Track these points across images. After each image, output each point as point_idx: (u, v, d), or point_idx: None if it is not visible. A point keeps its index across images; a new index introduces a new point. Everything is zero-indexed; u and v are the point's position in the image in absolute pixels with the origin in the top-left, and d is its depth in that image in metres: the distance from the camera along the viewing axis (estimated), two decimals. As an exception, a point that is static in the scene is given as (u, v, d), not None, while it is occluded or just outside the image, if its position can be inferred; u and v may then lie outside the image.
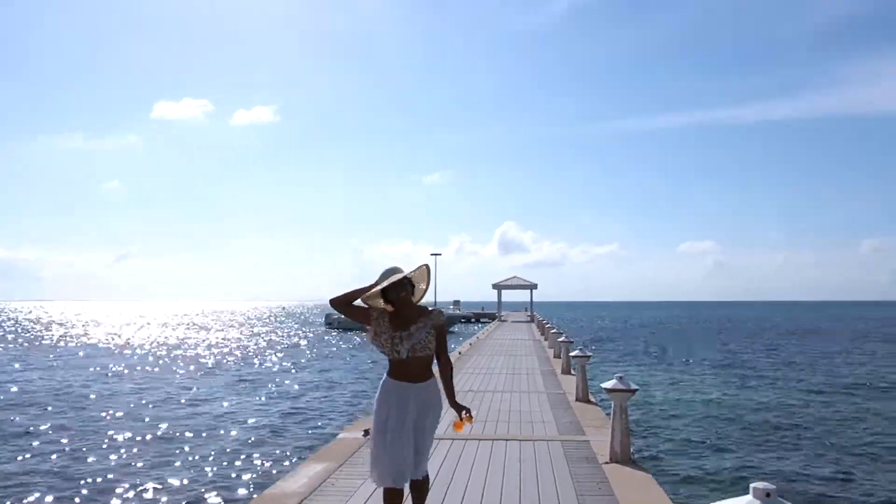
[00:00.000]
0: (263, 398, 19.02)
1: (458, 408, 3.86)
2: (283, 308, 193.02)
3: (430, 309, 3.89)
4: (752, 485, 2.61)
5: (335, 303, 3.76)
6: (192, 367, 27.82)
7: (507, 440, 7.44)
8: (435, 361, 3.87)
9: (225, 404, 17.86)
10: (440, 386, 3.91)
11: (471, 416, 3.83)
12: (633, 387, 6.54)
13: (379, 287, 3.72)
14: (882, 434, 14.05)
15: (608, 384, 6.58)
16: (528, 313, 54.38)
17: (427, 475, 3.98)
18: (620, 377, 6.62)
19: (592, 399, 10.30)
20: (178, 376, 24.61)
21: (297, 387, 21.44)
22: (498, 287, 51.77)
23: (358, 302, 3.81)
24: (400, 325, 3.75)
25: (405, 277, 3.75)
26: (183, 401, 18.39)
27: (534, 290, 52.85)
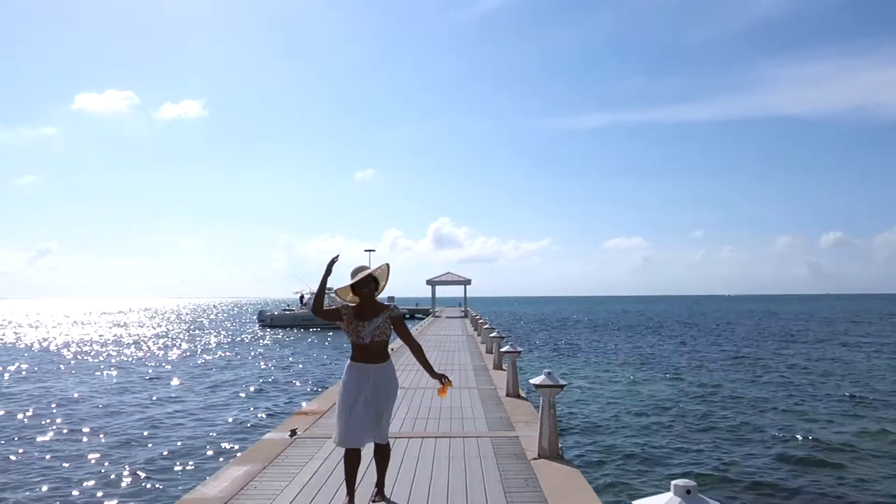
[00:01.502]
0: (183, 399, 18.35)
1: (438, 376, 4.76)
2: (214, 306, 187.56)
3: (387, 304, 4.81)
4: (672, 482, 2.63)
5: (318, 311, 4.83)
6: (104, 367, 26.79)
7: (437, 437, 7.40)
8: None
9: (140, 406, 17.15)
10: (394, 366, 4.86)
11: (450, 382, 4.77)
12: (561, 382, 6.59)
13: (352, 282, 4.69)
14: (783, 426, 14.76)
15: (536, 380, 6.61)
16: (462, 309, 54.48)
17: (388, 442, 4.80)
18: (549, 373, 6.66)
19: (522, 394, 10.33)
20: (89, 377, 23.60)
21: (223, 387, 20.82)
22: (432, 283, 51.81)
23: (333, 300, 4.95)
24: (364, 316, 4.69)
25: (370, 275, 4.72)
26: (96, 404, 17.53)
27: (468, 286, 53.22)
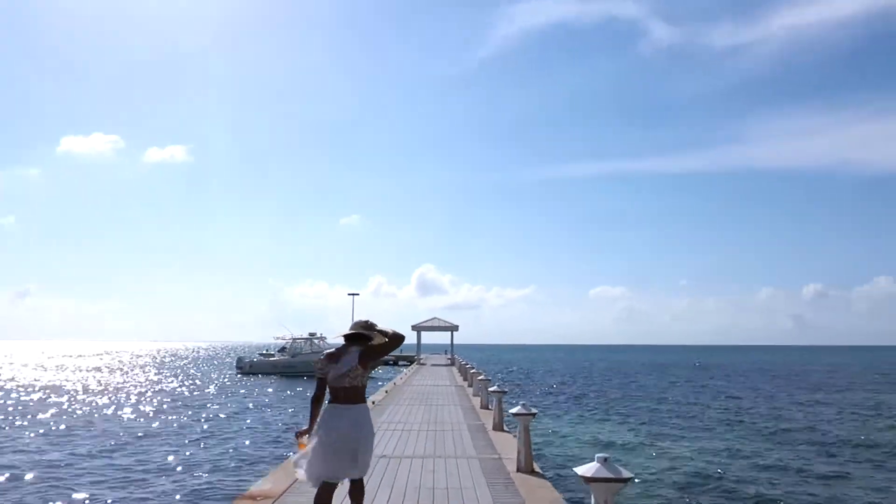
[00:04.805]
0: (98, 456, 16.31)
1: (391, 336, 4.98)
2: (194, 350, 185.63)
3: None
4: (595, 455, 4.02)
5: (322, 395, 4.93)
6: (38, 413, 25.20)
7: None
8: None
9: (89, 457, 15.63)
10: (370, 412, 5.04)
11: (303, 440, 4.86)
12: (533, 411, 8.01)
13: (346, 333, 4.99)
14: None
15: (514, 409, 8.04)
16: (449, 356, 53.63)
17: (362, 479, 4.91)
18: (524, 404, 8.11)
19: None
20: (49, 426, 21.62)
21: (156, 447, 17.90)
22: (418, 328, 50.47)
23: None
24: (337, 359, 4.88)
25: (363, 334, 4.97)
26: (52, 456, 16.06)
27: (455, 332, 51.73)
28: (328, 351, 5.03)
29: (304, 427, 4.90)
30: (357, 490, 4.96)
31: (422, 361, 51.22)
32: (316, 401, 4.90)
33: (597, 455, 3.97)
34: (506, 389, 12.10)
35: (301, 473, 4.72)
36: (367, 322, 5.02)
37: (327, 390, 4.91)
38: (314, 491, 4.79)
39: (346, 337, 4.98)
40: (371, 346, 4.93)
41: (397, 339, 4.98)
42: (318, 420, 4.81)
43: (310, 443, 4.75)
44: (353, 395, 4.80)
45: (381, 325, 5.02)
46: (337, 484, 4.79)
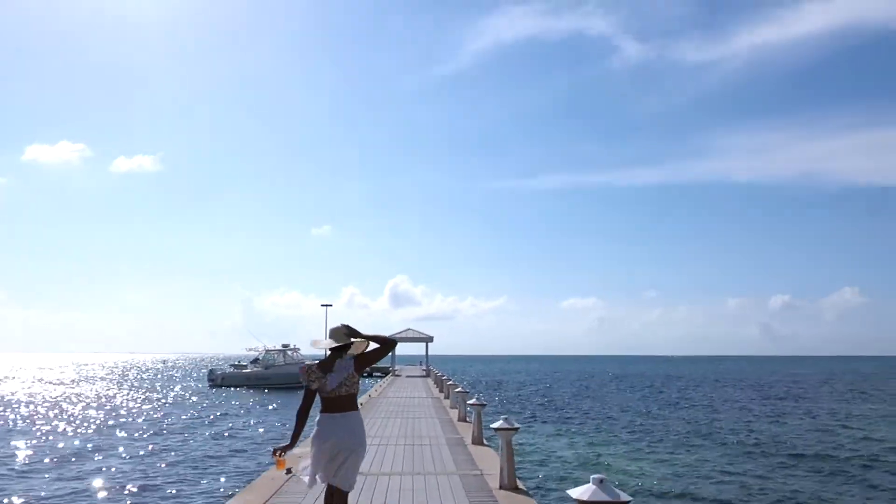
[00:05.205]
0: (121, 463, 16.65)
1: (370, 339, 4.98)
2: (164, 362, 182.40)
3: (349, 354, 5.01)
4: (591, 476, 3.88)
5: (306, 411, 4.86)
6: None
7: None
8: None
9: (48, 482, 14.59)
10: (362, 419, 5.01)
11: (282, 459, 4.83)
12: (516, 425, 7.84)
13: (332, 346, 4.99)
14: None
15: (496, 424, 7.85)
16: (424, 367, 53.56)
17: (347, 493, 4.85)
18: (506, 418, 7.91)
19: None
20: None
21: (165, 452, 18.58)
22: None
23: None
24: (328, 369, 4.86)
25: (348, 340, 4.97)
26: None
27: (430, 343, 51.94)
28: (316, 361, 4.96)
29: (284, 444, 4.80)
30: (340, 497, 4.87)
31: (397, 373, 51.18)
32: (302, 414, 4.83)
33: (592, 476, 3.80)
34: (485, 402, 11.93)
35: (306, 480, 4.78)
36: (347, 327, 4.98)
37: (317, 401, 4.87)
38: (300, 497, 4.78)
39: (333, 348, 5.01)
40: (365, 354, 4.96)
41: (389, 344, 5.00)
42: (314, 430, 4.77)
43: (308, 454, 4.75)
44: (348, 403, 4.82)
45: (362, 331, 5.00)
46: (346, 494, 4.83)
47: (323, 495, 4.97)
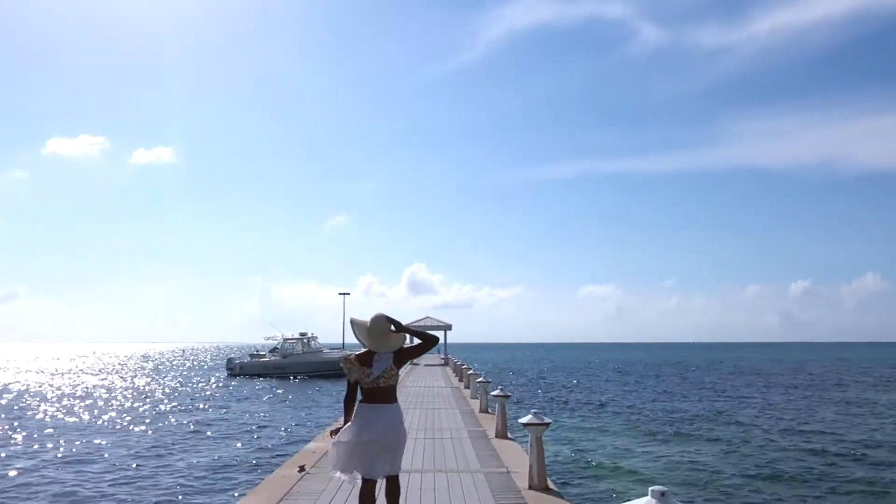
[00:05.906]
0: (151, 452, 16.96)
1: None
2: (184, 351, 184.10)
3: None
4: (650, 488, 3.30)
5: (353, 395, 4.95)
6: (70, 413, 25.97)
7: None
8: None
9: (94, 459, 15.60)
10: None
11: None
12: (547, 420, 7.25)
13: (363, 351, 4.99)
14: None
15: (525, 419, 7.25)
16: (442, 356, 53.31)
17: (398, 476, 4.90)
18: (535, 412, 7.32)
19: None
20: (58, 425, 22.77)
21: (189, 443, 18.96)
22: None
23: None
24: (369, 362, 4.91)
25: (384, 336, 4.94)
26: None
27: (448, 332, 51.33)
28: (357, 353, 4.98)
29: (339, 425, 4.91)
30: (393, 487, 4.94)
31: (415, 362, 49.63)
32: (349, 402, 4.92)
33: (651, 489, 3.23)
34: (509, 393, 11.33)
35: (337, 474, 4.77)
36: (389, 319, 4.91)
37: (359, 390, 4.93)
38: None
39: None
40: (406, 349, 5.00)
41: (432, 340, 5.07)
42: (352, 417, 4.82)
43: (340, 436, 4.75)
44: (387, 395, 4.88)
45: (402, 322, 4.95)
46: (376, 481, 4.80)
47: (353, 494, 5.00)
